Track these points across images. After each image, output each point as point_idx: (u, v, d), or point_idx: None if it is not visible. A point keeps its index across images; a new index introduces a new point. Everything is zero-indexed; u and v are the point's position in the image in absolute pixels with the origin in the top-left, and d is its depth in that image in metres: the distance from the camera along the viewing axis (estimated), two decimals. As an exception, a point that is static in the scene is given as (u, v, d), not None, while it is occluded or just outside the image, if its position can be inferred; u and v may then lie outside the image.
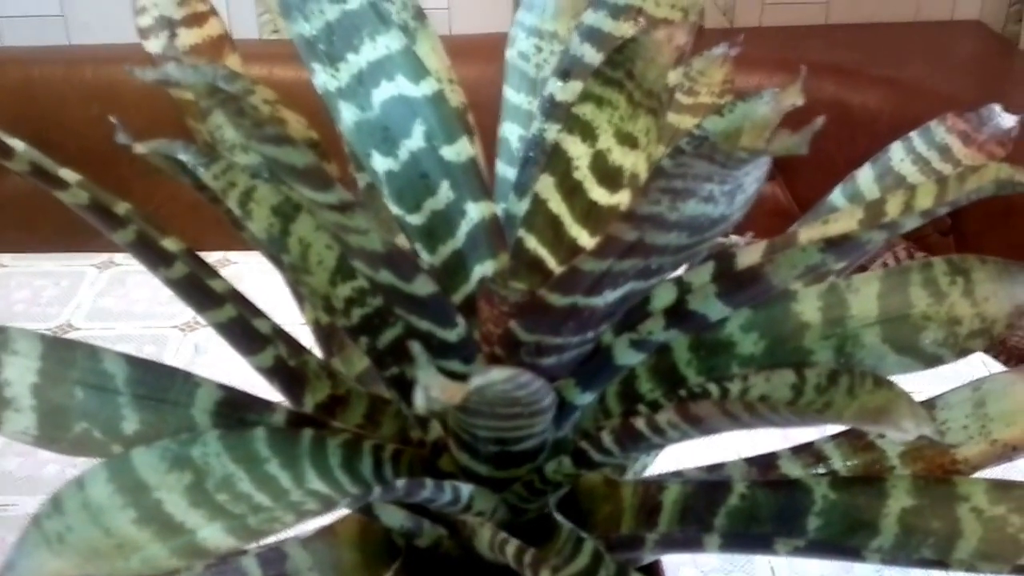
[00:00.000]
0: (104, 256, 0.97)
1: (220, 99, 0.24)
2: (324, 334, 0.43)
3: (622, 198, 0.36)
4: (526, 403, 0.29)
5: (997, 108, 0.44)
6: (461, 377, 0.34)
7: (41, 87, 1.44)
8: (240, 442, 0.30)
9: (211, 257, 0.92)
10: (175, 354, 0.83)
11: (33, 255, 0.98)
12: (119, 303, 0.90)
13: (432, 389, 0.21)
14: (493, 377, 0.24)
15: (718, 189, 0.25)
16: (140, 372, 0.34)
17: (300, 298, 0.43)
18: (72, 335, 0.86)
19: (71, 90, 1.43)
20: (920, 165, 0.44)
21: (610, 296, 0.30)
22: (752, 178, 0.25)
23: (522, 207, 0.40)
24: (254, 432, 0.31)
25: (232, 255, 0.94)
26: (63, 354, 0.33)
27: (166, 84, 0.24)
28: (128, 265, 0.96)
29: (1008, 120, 0.44)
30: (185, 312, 0.88)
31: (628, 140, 0.35)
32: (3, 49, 1.57)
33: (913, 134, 0.45)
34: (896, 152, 0.45)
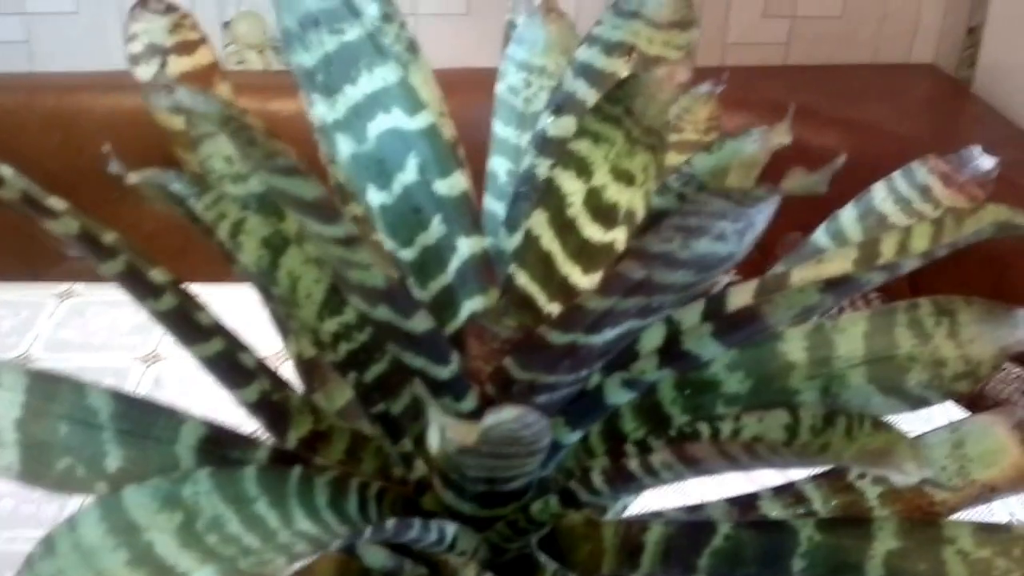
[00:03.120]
0: (64, 286, 0.95)
1: (232, 128, 0.24)
2: (307, 368, 0.42)
3: (617, 235, 0.36)
4: (527, 442, 0.28)
5: (977, 150, 0.45)
6: (454, 416, 0.34)
7: (2, 114, 1.42)
8: (230, 481, 0.29)
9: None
10: (135, 387, 0.82)
11: (-9, 284, 0.97)
12: (79, 334, 0.89)
13: (448, 430, 0.21)
14: (504, 416, 0.23)
15: (731, 227, 0.25)
16: (125, 407, 0.33)
17: (285, 331, 0.42)
18: (31, 367, 0.85)
19: (33, 118, 1.41)
20: (901, 205, 0.45)
21: (609, 334, 0.30)
22: (763, 216, 0.25)
23: (512, 242, 0.40)
24: (243, 471, 0.30)
25: (193, 287, 0.93)
26: (48, 388, 0.32)
27: (177, 111, 0.23)
28: (88, 295, 0.94)
29: (988, 162, 0.45)
30: (146, 344, 0.87)
31: (624, 177, 0.35)
32: (-36, 75, 1.55)
33: (895, 174, 0.45)
34: (878, 192, 0.45)
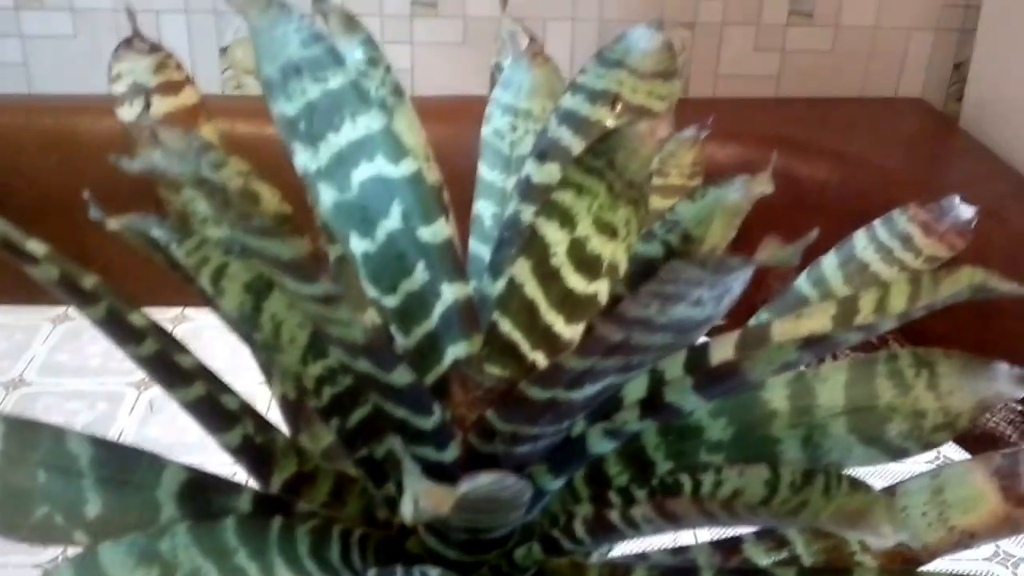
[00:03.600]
0: (59, 310, 0.95)
1: (206, 189, 0.24)
2: (291, 409, 0.42)
3: (600, 287, 0.36)
4: (506, 500, 0.28)
5: (957, 199, 0.45)
6: (436, 465, 0.34)
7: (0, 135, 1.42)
8: (209, 533, 0.29)
9: (168, 313, 0.91)
10: (129, 412, 0.81)
11: (-14, 306, 0.96)
12: (73, 358, 0.89)
13: (422, 499, 0.21)
14: (481, 482, 0.23)
15: (707, 294, 0.25)
16: (105, 453, 0.33)
17: (269, 374, 0.42)
18: (24, 390, 0.84)
19: (30, 139, 1.41)
20: (882, 253, 0.45)
21: (589, 390, 0.30)
22: (740, 283, 0.26)
23: (496, 288, 0.40)
24: (223, 522, 0.30)
25: (189, 311, 0.92)
26: (26, 435, 0.32)
27: (151, 175, 0.23)
28: (83, 319, 0.94)
29: (967, 211, 0.45)
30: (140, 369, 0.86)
31: (607, 229, 0.35)
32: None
33: (876, 223, 0.46)
34: (859, 240, 0.46)
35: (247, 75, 1.59)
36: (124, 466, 0.34)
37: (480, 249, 0.44)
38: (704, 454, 0.39)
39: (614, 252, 0.35)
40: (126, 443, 0.34)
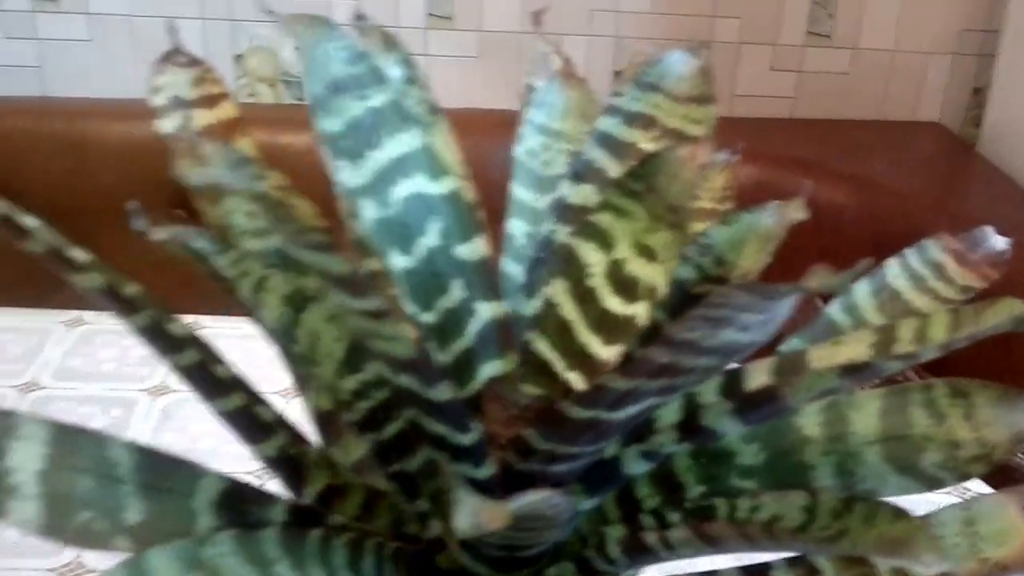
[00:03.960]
0: (73, 313, 0.95)
1: (266, 205, 0.24)
2: (324, 421, 0.42)
3: (637, 310, 0.36)
4: (551, 516, 0.28)
5: (990, 230, 0.46)
6: (472, 481, 0.34)
7: (12, 138, 1.43)
8: (251, 543, 0.30)
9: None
10: (143, 418, 0.82)
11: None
12: (87, 363, 0.89)
13: (477, 515, 0.21)
14: (531, 498, 0.24)
15: (755, 319, 0.25)
16: (145, 460, 0.33)
17: (303, 387, 0.42)
18: (39, 393, 0.85)
19: (42, 142, 1.42)
20: (915, 282, 0.45)
21: (630, 411, 0.30)
22: (785, 309, 0.26)
23: (530, 307, 0.40)
24: (264, 533, 0.30)
25: (203, 319, 0.93)
26: (70, 440, 0.32)
27: (214, 189, 0.23)
28: (97, 324, 0.94)
29: (1000, 242, 0.45)
30: (154, 376, 0.86)
31: (646, 252, 0.36)
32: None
33: (908, 251, 0.46)
34: (891, 268, 0.46)
35: (261, 83, 1.60)
36: (164, 473, 0.34)
37: (512, 268, 0.44)
38: (735, 479, 0.39)
39: (652, 275, 0.35)
40: (166, 451, 0.34)
